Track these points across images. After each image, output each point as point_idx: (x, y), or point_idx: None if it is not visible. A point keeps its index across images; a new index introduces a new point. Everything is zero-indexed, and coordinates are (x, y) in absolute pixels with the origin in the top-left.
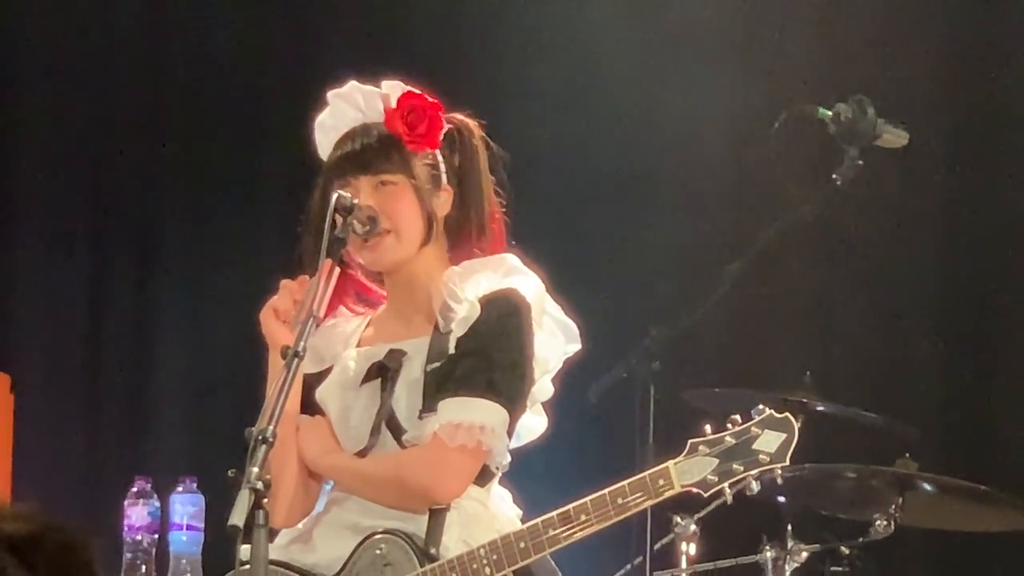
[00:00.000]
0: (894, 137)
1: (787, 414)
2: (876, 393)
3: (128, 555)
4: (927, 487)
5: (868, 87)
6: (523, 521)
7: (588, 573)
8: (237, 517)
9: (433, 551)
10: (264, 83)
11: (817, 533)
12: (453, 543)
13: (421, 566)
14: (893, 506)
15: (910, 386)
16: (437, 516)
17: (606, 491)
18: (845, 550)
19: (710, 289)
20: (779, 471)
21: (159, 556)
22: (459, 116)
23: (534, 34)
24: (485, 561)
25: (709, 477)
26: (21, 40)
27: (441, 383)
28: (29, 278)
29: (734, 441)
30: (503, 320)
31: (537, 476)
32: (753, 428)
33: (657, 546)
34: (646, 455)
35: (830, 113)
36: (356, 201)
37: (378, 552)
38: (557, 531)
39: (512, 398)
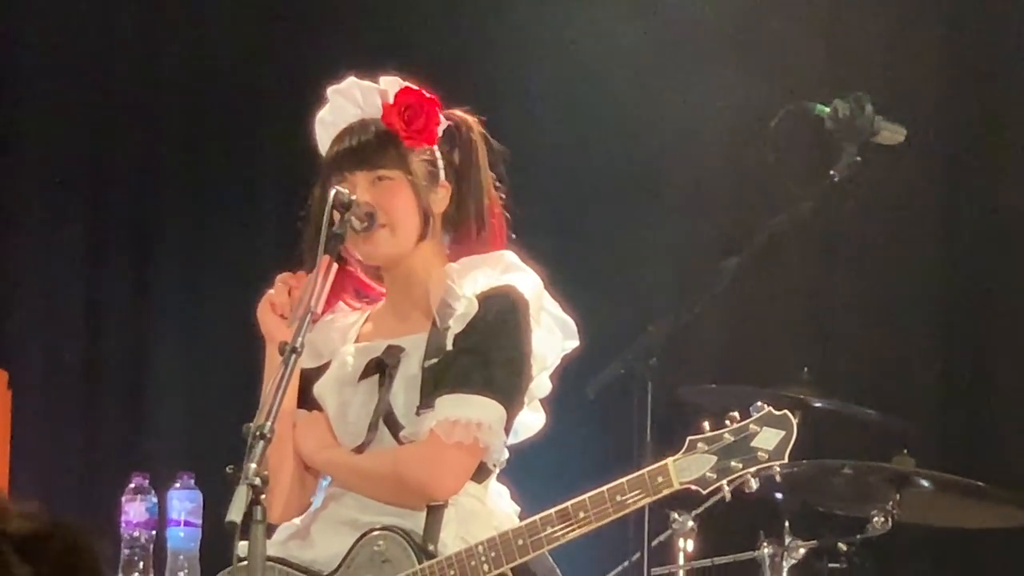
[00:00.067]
0: (892, 133)
1: (786, 411)
2: (873, 389)
3: (126, 551)
4: (924, 483)
5: (866, 84)
6: (521, 518)
7: (586, 570)
8: (235, 513)
9: (431, 548)
10: (262, 83)
11: (814, 529)
12: (451, 540)
13: (419, 562)
14: (890, 502)
15: (907, 382)
16: (435, 513)
17: (604, 488)
18: (842, 546)
19: (708, 286)
20: (777, 468)
21: (157, 552)
22: (458, 112)
23: (532, 31)
24: (483, 558)
25: (708, 474)
26: (20, 40)
27: (438, 379)
28: (27, 274)
29: (732, 438)
30: (501, 317)
31: (535, 473)
32: (751, 425)
33: (655, 542)
34: (644, 452)
35: (828, 110)
36: (354, 197)
37: (376, 548)
38: (555, 529)
39: (509, 395)
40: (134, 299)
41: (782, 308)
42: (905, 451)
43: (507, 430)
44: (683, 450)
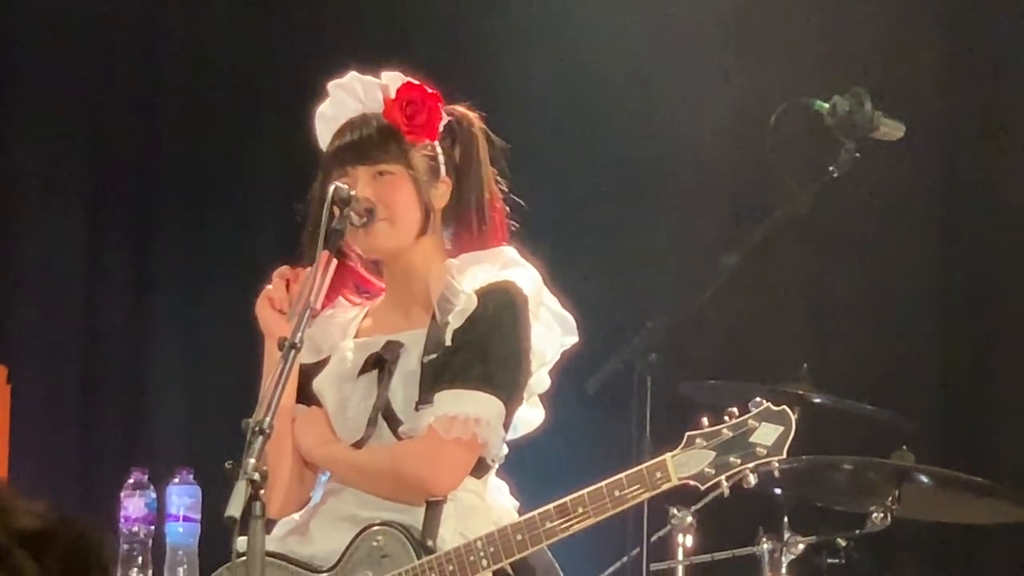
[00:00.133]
0: (891, 129)
1: (784, 407)
2: (873, 385)
3: (124, 546)
4: (924, 479)
5: (865, 80)
6: (520, 513)
7: (585, 565)
8: (234, 508)
9: (430, 543)
10: (262, 81)
11: (814, 525)
12: (450, 535)
13: (418, 558)
14: (890, 498)
15: (907, 378)
16: (434, 508)
17: (603, 484)
18: (842, 542)
19: (707, 281)
20: (776, 464)
21: (155, 547)
22: (459, 107)
23: (532, 27)
24: (482, 553)
25: (706, 470)
26: (20, 40)
27: (437, 375)
28: (26, 269)
29: (731, 434)
30: (500, 312)
31: (534, 468)
32: (750, 421)
33: (654, 538)
34: (643, 448)
35: (827, 106)
36: (353, 193)
37: (375, 544)
38: (554, 523)
39: (508, 390)
40: (133, 294)
41: (781, 304)
42: (904, 447)
43: (506, 426)
44: (681, 445)
